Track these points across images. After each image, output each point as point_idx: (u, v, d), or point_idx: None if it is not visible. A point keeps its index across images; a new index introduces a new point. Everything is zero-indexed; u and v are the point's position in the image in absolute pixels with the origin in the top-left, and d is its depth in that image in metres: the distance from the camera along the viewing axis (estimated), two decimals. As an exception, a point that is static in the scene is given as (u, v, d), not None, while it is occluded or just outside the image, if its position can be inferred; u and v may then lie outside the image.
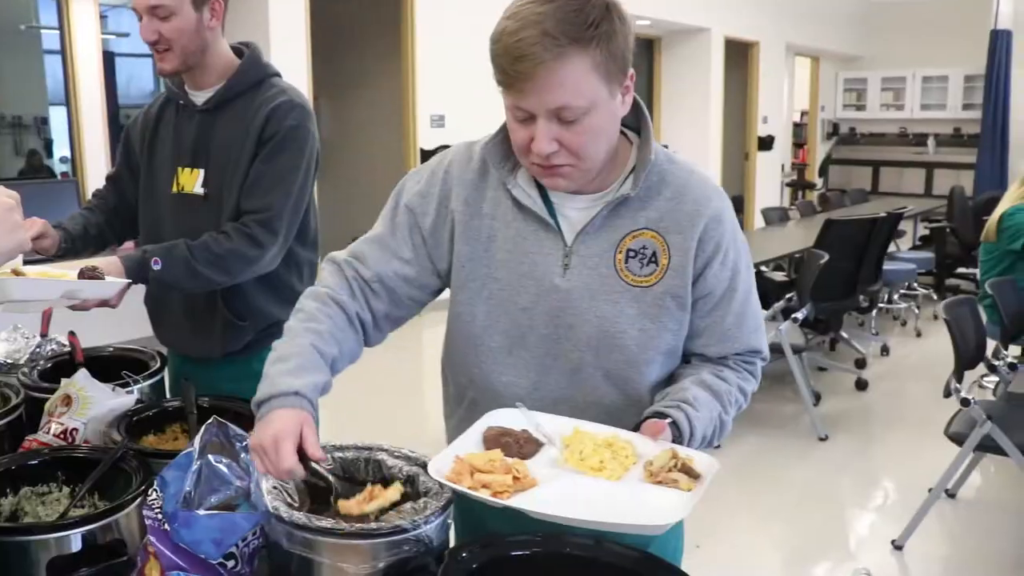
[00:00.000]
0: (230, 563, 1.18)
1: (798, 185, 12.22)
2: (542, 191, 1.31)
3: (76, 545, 1.22)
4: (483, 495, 1.10)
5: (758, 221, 8.59)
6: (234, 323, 1.95)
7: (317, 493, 1.38)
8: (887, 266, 5.90)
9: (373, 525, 1.16)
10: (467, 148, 1.38)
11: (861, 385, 5.03)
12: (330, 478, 1.21)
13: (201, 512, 1.14)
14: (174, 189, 1.95)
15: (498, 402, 1.32)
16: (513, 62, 1.13)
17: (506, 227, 1.31)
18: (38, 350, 2.03)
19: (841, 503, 3.71)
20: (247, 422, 1.61)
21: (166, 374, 1.97)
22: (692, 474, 1.13)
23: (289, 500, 1.29)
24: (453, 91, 6.35)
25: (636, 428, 1.26)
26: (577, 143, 1.18)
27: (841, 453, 4.15)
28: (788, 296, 4.39)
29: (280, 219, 1.87)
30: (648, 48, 9.97)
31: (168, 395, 1.92)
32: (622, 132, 1.31)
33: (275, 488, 1.29)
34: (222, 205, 1.90)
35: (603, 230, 1.28)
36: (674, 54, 9.77)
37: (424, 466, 1.36)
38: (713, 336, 1.34)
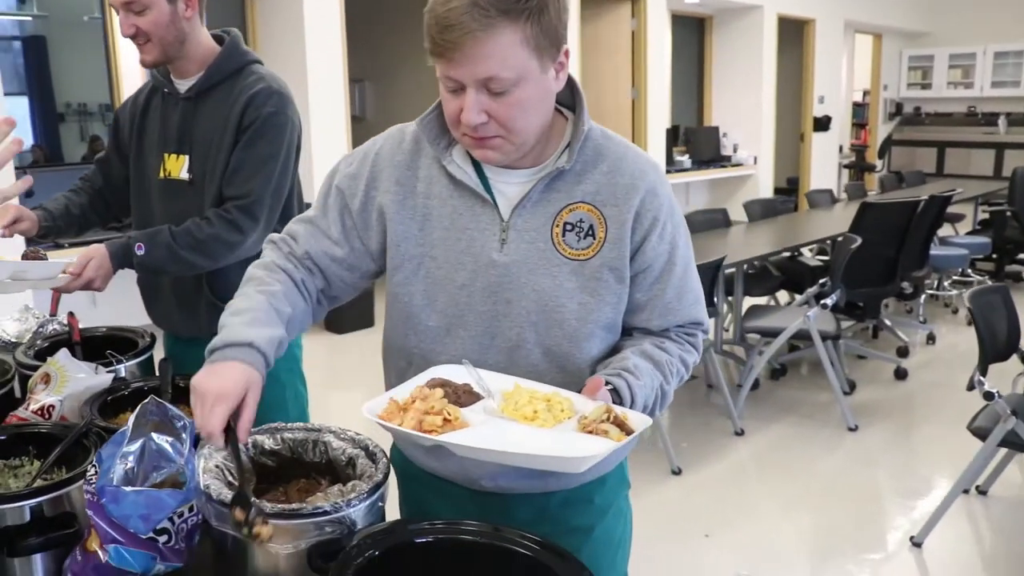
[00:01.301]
0: (162, 538, 1.22)
1: (856, 167, 11.90)
2: (477, 168, 1.32)
3: (27, 516, 1.28)
4: (412, 431, 1.12)
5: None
6: (217, 304, 2.00)
7: (265, 473, 1.42)
8: (936, 251, 5.72)
9: (295, 506, 1.20)
10: (399, 131, 1.40)
11: (900, 374, 4.89)
12: (243, 460, 1.22)
13: (127, 488, 1.18)
14: (161, 175, 2.00)
15: None
16: (442, 31, 1.14)
17: (442, 204, 1.32)
18: (40, 330, 2.12)
19: (865, 496, 3.62)
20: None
21: (159, 352, 2.04)
22: (624, 428, 1.14)
23: (230, 479, 1.33)
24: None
25: None
26: (506, 115, 1.19)
27: (871, 445, 4.05)
28: (821, 281, 4.29)
29: (261, 205, 1.91)
30: (699, 27, 9.80)
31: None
32: (558, 110, 1.32)
33: (218, 467, 1.33)
34: (212, 190, 1.95)
35: (539, 204, 1.29)
36: (725, 33, 9.58)
37: (366, 448, 1.39)
38: (655, 310, 1.35)
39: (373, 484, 1.24)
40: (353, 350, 5.65)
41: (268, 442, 1.41)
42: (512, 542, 1.04)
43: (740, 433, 4.03)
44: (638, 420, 1.16)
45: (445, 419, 1.14)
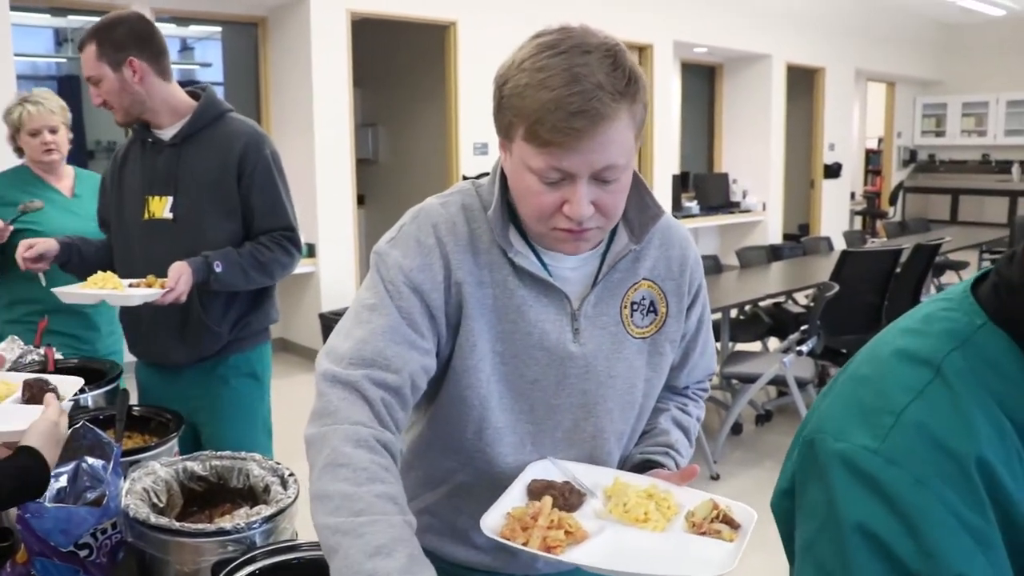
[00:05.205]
0: (83, 552, 1.34)
1: (868, 214, 11.94)
2: (535, 253, 1.21)
3: (-35, 531, 1.42)
4: (540, 552, 1.06)
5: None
6: (211, 329, 2.16)
7: (193, 498, 1.54)
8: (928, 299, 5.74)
9: (201, 526, 1.32)
10: (444, 210, 1.21)
11: (887, 420, 4.90)
12: None
13: (48, 504, 1.30)
14: (145, 216, 2.17)
15: (496, 483, 1.20)
16: (569, 118, 1.02)
17: (508, 296, 1.19)
18: (21, 359, 2.26)
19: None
20: (161, 428, 1.81)
21: (134, 385, 2.19)
22: (732, 524, 1.14)
23: (155, 501, 1.46)
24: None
25: (636, 469, 1.27)
26: (611, 202, 1.10)
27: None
28: (802, 328, 4.37)
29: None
30: (709, 76, 9.97)
31: (138, 402, 2.12)
32: None
33: (144, 490, 1.45)
34: (193, 226, 2.14)
35: (607, 287, 1.23)
36: (735, 81, 9.74)
37: (281, 476, 1.50)
38: (684, 369, 1.37)
39: (277, 509, 1.36)
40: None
41: (197, 468, 1.53)
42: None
43: (716, 478, 4.07)
44: (742, 513, 1.15)
45: (567, 531, 1.09)
